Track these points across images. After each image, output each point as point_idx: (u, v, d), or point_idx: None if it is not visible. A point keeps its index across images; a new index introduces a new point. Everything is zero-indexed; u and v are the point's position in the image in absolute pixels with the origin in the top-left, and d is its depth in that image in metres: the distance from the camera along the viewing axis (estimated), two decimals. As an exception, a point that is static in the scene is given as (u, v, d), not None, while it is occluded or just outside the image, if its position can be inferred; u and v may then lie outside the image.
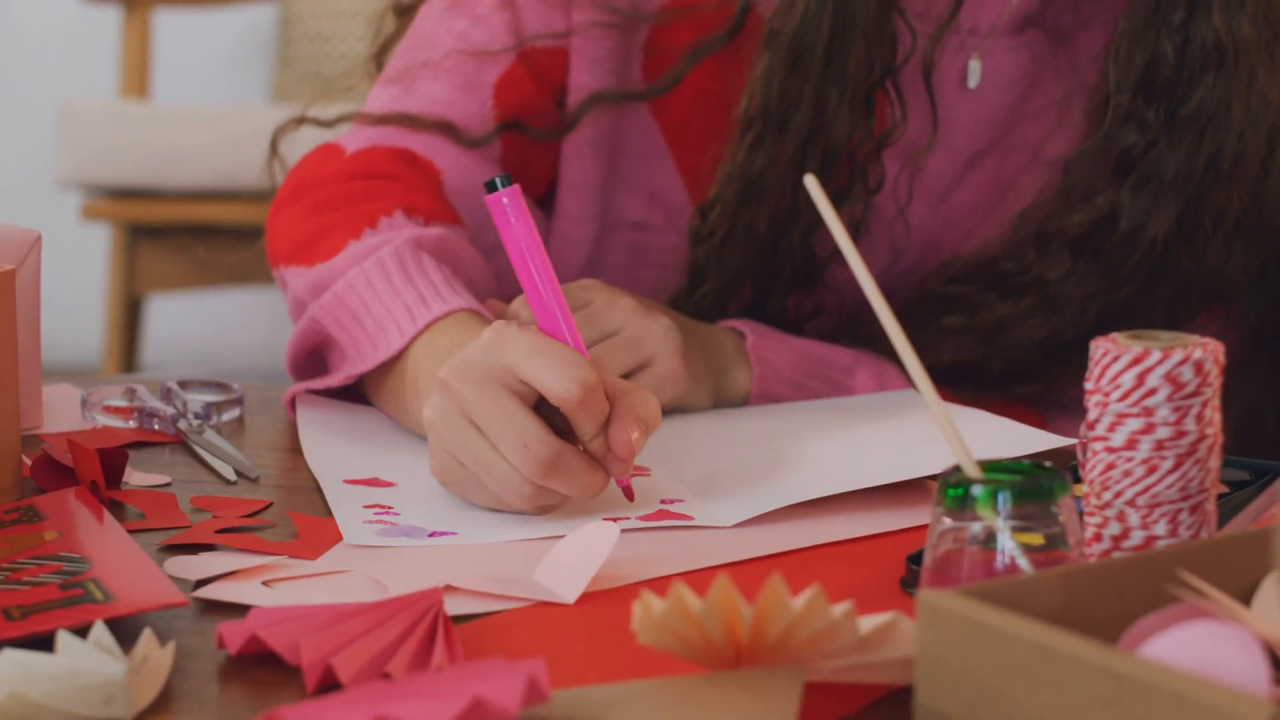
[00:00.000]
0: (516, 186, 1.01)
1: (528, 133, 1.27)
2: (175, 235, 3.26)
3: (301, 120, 1.34)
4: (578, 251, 1.31)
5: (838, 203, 1.22)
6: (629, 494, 1.01)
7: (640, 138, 1.29)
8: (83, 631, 0.77)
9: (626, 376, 1.16)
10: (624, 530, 0.96)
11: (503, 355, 0.98)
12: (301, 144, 1.33)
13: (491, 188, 1.01)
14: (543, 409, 0.99)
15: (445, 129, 1.25)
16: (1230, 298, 1.31)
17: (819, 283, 1.27)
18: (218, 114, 3.28)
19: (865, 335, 1.25)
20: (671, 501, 1.02)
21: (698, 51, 1.24)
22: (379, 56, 1.35)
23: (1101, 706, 0.65)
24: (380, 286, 1.13)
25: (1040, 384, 1.27)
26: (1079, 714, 0.66)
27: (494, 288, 1.23)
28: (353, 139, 1.28)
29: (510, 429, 0.96)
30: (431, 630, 0.80)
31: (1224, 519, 0.92)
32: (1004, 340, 1.26)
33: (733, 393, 1.22)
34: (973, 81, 1.27)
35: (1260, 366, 1.32)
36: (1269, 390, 1.33)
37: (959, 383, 1.26)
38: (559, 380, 0.96)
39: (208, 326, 3.99)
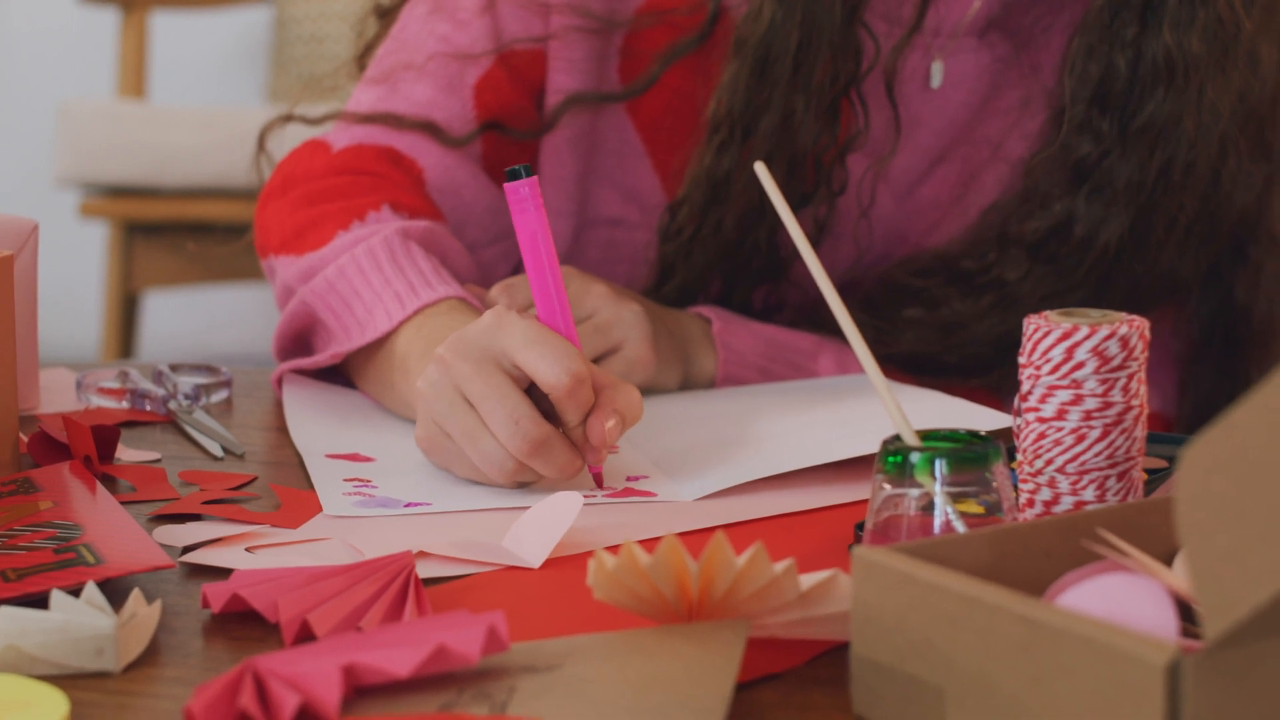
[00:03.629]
0: (535, 178, 1.06)
1: (508, 133, 1.32)
2: (171, 233, 3.31)
3: (289, 118, 1.39)
4: (558, 248, 1.36)
5: (803, 204, 1.27)
6: (599, 481, 1.06)
7: (617, 137, 1.34)
8: (76, 592, 0.82)
9: (597, 360, 1.21)
10: (589, 504, 1.01)
11: (501, 338, 1.03)
12: (289, 141, 1.38)
13: (513, 175, 1.06)
14: (530, 395, 1.04)
15: (428, 129, 1.30)
16: (1183, 295, 1.36)
17: (783, 278, 1.32)
18: (213, 114, 3.33)
19: (829, 324, 1.30)
20: (636, 479, 1.07)
21: (671, 55, 1.29)
22: (362, 58, 1.39)
23: (1019, 651, 0.70)
24: (371, 274, 1.19)
25: (994, 378, 1.32)
26: (998, 658, 0.70)
27: (478, 281, 1.28)
28: (339, 136, 1.32)
29: (503, 406, 1.02)
30: (403, 590, 0.85)
31: (1155, 489, 0.97)
32: (961, 336, 1.31)
33: (699, 376, 1.27)
34: (935, 81, 1.31)
35: (1213, 359, 1.37)
36: (1222, 382, 1.37)
37: (917, 372, 1.31)
38: (552, 369, 1.02)
39: (203, 322, 4.04)
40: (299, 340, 1.26)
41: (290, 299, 1.25)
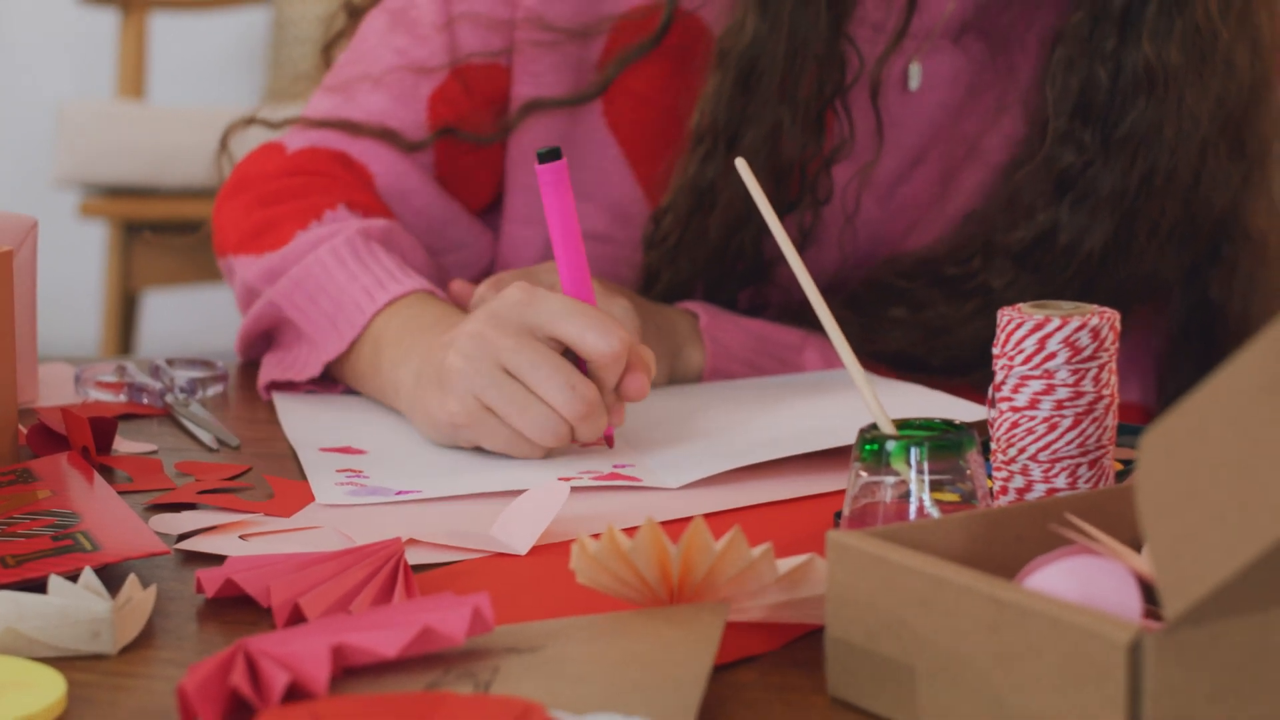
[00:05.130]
0: (564, 161, 1.11)
1: (462, 137, 1.34)
2: (170, 232, 3.34)
3: (251, 121, 1.42)
4: (528, 253, 1.38)
5: (787, 212, 1.30)
6: (610, 442, 1.12)
7: (599, 151, 1.35)
8: (73, 577, 0.84)
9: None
10: (576, 489, 1.03)
11: (538, 312, 1.08)
12: (251, 142, 1.41)
13: (543, 158, 1.11)
14: None
15: (382, 135, 1.33)
16: (1163, 295, 1.38)
17: (768, 281, 1.34)
18: (212, 115, 3.34)
19: (813, 322, 1.32)
20: (623, 465, 1.10)
21: (624, 58, 1.31)
22: (328, 51, 1.42)
23: (987, 630, 0.72)
24: (337, 272, 1.22)
25: (978, 378, 1.34)
26: (967, 637, 0.73)
27: (433, 274, 1.31)
28: (294, 139, 1.36)
29: (556, 373, 1.07)
30: (392, 576, 0.87)
31: (1127, 478, 0.99)
32: (946, 340, 1.33)
33: (688, 371, 1.29)
34: (914, 84, 1.34)
35: (1191, 357, 1.39)
36: (1201, 377, 1.39)
37: (902, 370, 1.33)
38: (601, 338, 1.07)
39: (201, 321, 4.06)
40: (265, 338, 1.30)
41: (251, 297, 1.29)
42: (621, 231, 1.36)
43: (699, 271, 1.33)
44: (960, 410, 1.13)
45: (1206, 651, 0.69)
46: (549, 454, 1.10)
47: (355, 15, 1.40)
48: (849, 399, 1.18)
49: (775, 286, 1.34)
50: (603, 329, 1.08)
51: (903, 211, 1.36)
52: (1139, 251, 1.30)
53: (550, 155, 1.10)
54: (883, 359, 1.33)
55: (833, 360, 1.31)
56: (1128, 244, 1.30)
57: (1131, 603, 0.75)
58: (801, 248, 1.30)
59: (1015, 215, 1.31)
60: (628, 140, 1.34)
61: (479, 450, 1.11)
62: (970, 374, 1.34)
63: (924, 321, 1.33)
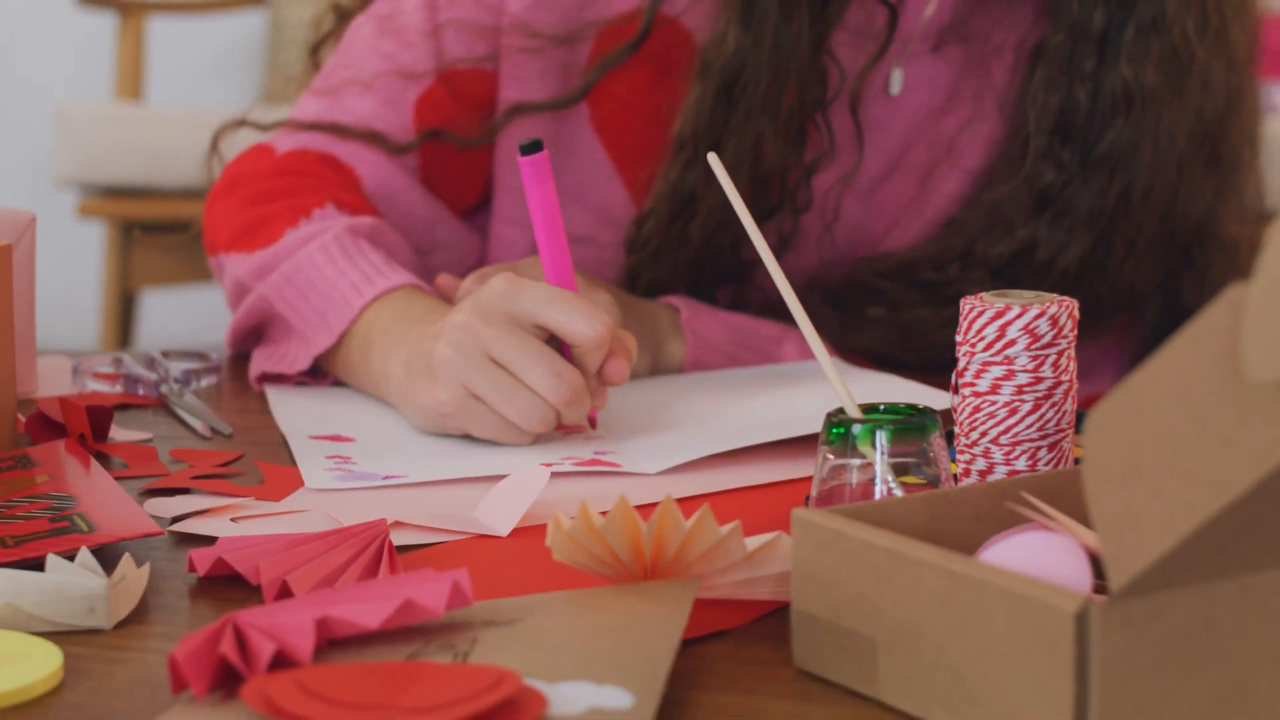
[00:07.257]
0: (545, 153, 1.14)
1: (448, 139, 1.37)
2: (168, 232, 3.37)
3: (241, 123, 1.45)
4: (516, 253, 1.41)
5: (767, 218, 1.32)
6: (594, 424, 1.16)
7: (585, 154, 1.38)
8: (70, 557, 0.88)
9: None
10: (557, 474, 1.07)
11: (521, 301, 1.11)
12: (241, 144, 1.44)
13: (526, 150, 1.14)
14: None
15: (369, 138, 1.36)
16: (1137, 305, 1.41)
17: (747, 283, 1.37)
18: (209, 117, 3.35)
19: (792, 318, 1.35)
20: (604, 452, 1.13)
21: (605, 63, 1.34)
22: (316, 52, 1.45)
23: (942, 602, 0.75)
24: (326, 268, 1.25)
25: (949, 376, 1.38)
26: (924, 609, 0.76)
27: (419, 271, 1.34)
28: (283, 141, 1.39)
29: (541, 361, 1.10)
30: (377, 555, 0.91)
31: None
32: (922, 342, 1.36)
33: (669, 363, 1.33)
34: (895, 89, 1.37)
35: None
36: None
37: (880, 366, 1.36)
38: (586, 323, 1.11)
39: (199, 320, 4.09)
40: (254, 333, 1.33)
41: (242, 293, 1.32)
42: (607, 233, 1.39)
43: (680, 274, 1.36)
44: (928, 397, 1.16)
45: (1151, 621, 0.72)
46: (535, 440, 1.13)
47: (344, 17, 1.44)
48: (823, 388, 1.21)
49: (754, 288, 1.37)
50: (587, 314, 1.11)
51: (882, 212, 1.39)
52: (1116, 266, 1.33)
53: (532, 148, 1.13)
54: (860, 355, 1.36)
55: (810, 353, 1.34)
56: (1105, 259, 1.33)
57: (1082, 576, 0.78)
58: (778, 253, 1.33)
59: (995, 230, 1.34)
60: (613, 144, 1.37)
61: (465, 437, 1.15)
62: (947, 373, 1.37)
63: (901, 322, 1.36)
